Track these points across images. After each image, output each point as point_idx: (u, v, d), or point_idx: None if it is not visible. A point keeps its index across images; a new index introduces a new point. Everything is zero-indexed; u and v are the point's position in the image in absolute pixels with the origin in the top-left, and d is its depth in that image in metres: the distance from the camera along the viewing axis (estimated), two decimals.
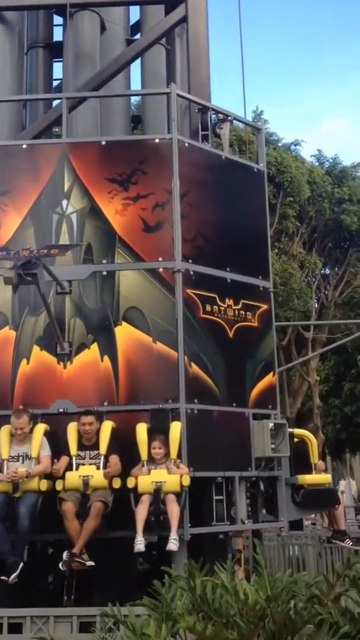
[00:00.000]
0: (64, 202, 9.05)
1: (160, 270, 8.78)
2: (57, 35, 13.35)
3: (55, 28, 13.39)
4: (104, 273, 8.82)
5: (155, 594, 4.88)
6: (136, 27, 13.95)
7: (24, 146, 9.41)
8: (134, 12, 14.11)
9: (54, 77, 13.50)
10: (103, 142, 9.30)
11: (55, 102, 12.02)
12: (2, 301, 8.78)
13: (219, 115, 10.27)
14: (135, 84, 14.26)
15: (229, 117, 10.24)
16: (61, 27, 12.92)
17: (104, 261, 8.85)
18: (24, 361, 8.65)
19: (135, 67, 12.77)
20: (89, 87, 10.88)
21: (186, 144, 9.33)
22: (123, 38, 12.99)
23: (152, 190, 9.02)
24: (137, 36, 13.85)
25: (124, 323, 8.69)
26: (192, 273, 8.90)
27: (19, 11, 11.82)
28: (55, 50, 13.08)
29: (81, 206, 9.03)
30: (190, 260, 8.92)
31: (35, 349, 8.68)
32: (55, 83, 13.70)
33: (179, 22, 11.29)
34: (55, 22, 13.35)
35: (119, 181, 9.05)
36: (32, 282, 7.56)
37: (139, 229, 8.93)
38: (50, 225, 9.00)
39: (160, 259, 8.83)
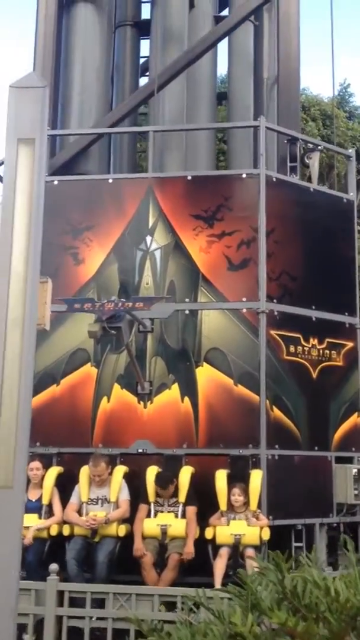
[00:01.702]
0: (148, 238, 9.26)
1: (244, 310, 8.90)
2: (145, 13, 13.93)
3: (142, 6, 13.98)
4: (187, 312, 9.00)
5: (241, 583, 4.97)
6: (224, 2, 14.28)
7: (110, 181, 9.66)
8: None
9: (141, 55, 14.09)
10: (189, 177, 9.43)
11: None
12: (84, 338, 8.96)
13: (308, 144, 10.26)
14: (222, 62, 14.73)
15: (319, 147, 10.21)
16: (149, 5, 13.51)
17: (187, 300, 9.03)
18: (105, 399, 8.95)
19: (222, 44, 13.09)
20: (177, 67, 11.19)
21: (274, 179, 9.37)
22: (211, 14, 13.44)
23: (237, 227, 9.12)
24: (225, 12, 14.19)
25: (205, 364, 8.85)
26: (276, 313, 8.98)
27: None
28: (142, 29, 13.61)
29: (165, 242, 9.22)
30: (274, 300, 9.00)
31: (116, 387, 8.96)
32: (141, 61, 14.20)
33: None
34: (142, 0, 13.92)
35: (204, 217, 9.18)
36: (116, 336, 7.80)
37: (223, 268, 9.06)
38: (134, 261, 9.24)
39: (244, 299, 8.93)
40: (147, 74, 14.02)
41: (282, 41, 11.14)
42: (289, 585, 4.47)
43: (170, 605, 6.53)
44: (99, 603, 6.76)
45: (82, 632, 6.64)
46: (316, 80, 60.26)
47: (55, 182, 9.44)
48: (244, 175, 9.42)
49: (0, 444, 3.52)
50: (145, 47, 14.07)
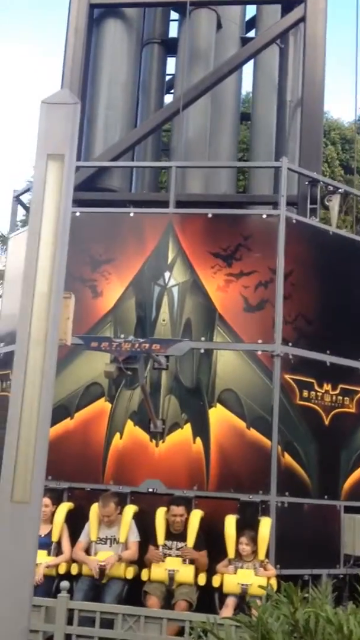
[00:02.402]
0: (167, 274, 9.39)
1: (259, 352, 9.01)
2: (172, 31, 14.26)
3: (170, 24, 14.27)
4: (202, 351, 9.12)
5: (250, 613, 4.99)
6: (251, 24, 14.72)
7: (131, 214, 9.76)
8: (250, 9, 14.61)
9: (167, 72, 14.38)
10: (209, 215, 9.51)
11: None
12: (99, 372, 9.05)
13: (329, 187, 10.35)
14: (247, 82, 15.12)
15: (339, 190, 10.30)
16: (176, 23, 13.79)
17: (203, 338, 9.14)
18: (117, 435, 9.08)
19: (248, 65, 13.35)
20: (203, 86, 11.46)
21: (294, 221, 9.47)
22: (238, 36, 13.76)
23: (255, 267, 9.22)
24: (252, 33, 14.53)
25: (218, 405, 8.97)
26: (291, 357, 9.08)
27: (138, 7, 12.50)
28: (169, 47, 13.92)
29: (183, 279, 9.34)
30: (290, 344, 9.10)
31: (129, 423, 9.09)
32: (167, 78, 14.48)
33: (297, 22, 11.62)
34: (171, 18, 14.21)
35: (222, 256, 9.30)
36: (131, 376, 7.94)
37: (240, 308, 9.17)
38: (152, 297, 9.36)
39: (259, 340, 9.04)
40: (172, 91, 14.20)
41: (307, 67, 11.23)
42: (301, 619, 4.43)
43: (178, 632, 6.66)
44: (108, 624, 6.87)
45: None
46: (337, 104, 60.64)
47: (77, 214, 9.57)
48: (264, 216, 9.53)
49: (18, 459, 3.63)
50: (171, 65, 14.34)
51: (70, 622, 6.71)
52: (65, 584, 6.94)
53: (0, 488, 3.59)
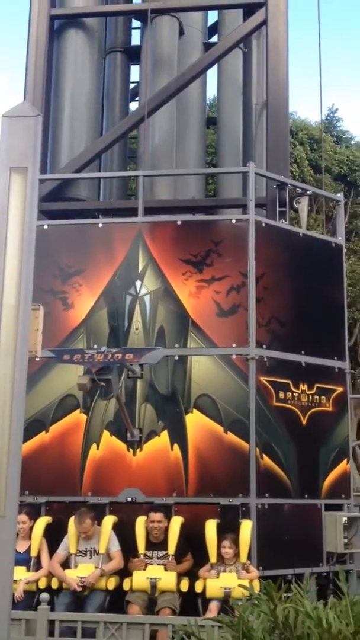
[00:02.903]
0: (138, 283, 9.52)
1: (234, 356, 9.17)
2: (135, 39, 14.55)
3: (132, 32, 14.54)
4: (176, 358, 9.25)
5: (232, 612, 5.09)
6: (213, 29, 14.96)
7: (100, 225, 9.91)
8: (212, 15, 14.97)
9: (131, 80, 14.63)
10: (179, 222, 9.68)
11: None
12: (73, 384, 9.10)
13: (297, 189, 10.55)
14: (211, 87, 15.52)
15: (308, 192, 10.51)
16: (138, 31, 14.08)
17: (177, 345, 9.28)
18: (94, 446, 9.18)
19: (212, 69, 13.61)
20: (167, 93, 11.74)
21: (263, 224, 9.65)
22: (200, 41, 14.02)
23: (227, 272, 9.38)
24: (214, 38, 14.78)
25: (195, 410, 9.10)
26: (266, 359, 9.25)
27: (100, 17, 12.74)
28: (132, 54, 14.16)
29: (155, 287, 9.48)
30: (264, 346, 9.27)
31: (106, 434, 9.19)
32: (131, 86, 14.73)
33: (259, 26, 11.92)
34: (133, 26, 14.46)
35: (193, 262, 9.45)
36: (105, 387, 8.07)
37: (213, 313, 9.32)
38: (124, 306, 9.48)
39: (233, 344, 9.19)
40: (137, 98, 14.39)
41: (270, 70, 11.48)
42: (280, 616, 4.55)
43: None
44: (91, 634, 6.94)
45: None
46: (304, 104, 61.67)
47: (45, 227, 9.69)
48: (233, 221, 9.70)
49: None
50: (135, 72, 14.56)
51: (52, 634, 6.80)
52: (45, 595, 7.03)
53: None
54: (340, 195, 11.14)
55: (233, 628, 4.74)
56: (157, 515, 8.42)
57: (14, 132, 4.08)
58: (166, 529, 8.44)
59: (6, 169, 4.03)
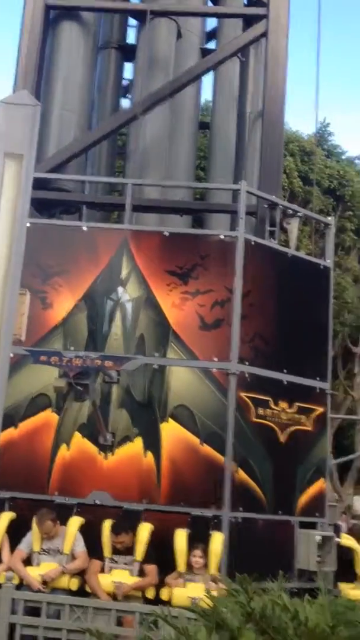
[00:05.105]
0: (120, 289, 10.14)
1: (214, 370, 9.90)
2: (130, 37, 15.36)
3: (128, 30, 15.35)
4: (155, 366, 9.92)
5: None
6: (211, 35, 15.83)
7: (85, 228, 10.56)
8: (211, 20, 15.91)
9: (124, 77, 15.49)
10: (166, 233, 10.36)
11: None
12: (46, 383, 9.68)
13: (288, 210, 11.32)
14: (205, 91, 16.41)
15: (298, 214, 11.31)
16: (134, 29, 14.95)
17: (156, 354, 9.94)
18: (64, 446, 9.74)
19: (208, 75, 14.59)
20: (162, 94, 12.46)
21: (252, 242, 10.37)
22: (198, 46, 14.86)
23: (212, 287, 10.08)
24: (212, 44, 15.68)
25: (170, 420, 9.74)
26: (247, 375, 9.93)
27: (97, 12, 13.48)
28: (126, 52, 14.95)
29: (137, 295, 10.11)
30: (246, 362, 9.96)
31: (77, 435, 9.76)
32: (124, 83, 15.58)
33: (259, 37, 12.68)
34: (129, 24, 15.27)
35: (178, 274, 10.12)
36: (82, 391, 8.74)
37: (195, 326, 9.99)
38: (104, 311, 10.09)
39: (215, 358, 9.88)
40: (128, 95, 15.19)
41: (268, 84, 12.25)
42: (257, 607, 4.67)
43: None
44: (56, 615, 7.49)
45: None
46: (296, 116, 63.79)
47: (28, 224, 10.38)
48: (222, 236, 10.42)
49: None
50: (128, 69, 15.36)
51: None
52: (10, 574, 7.55)
53: None
54: (330, 219, 11.93)
55: (206, 618, 5.01)
56: (120, 538, 8.96)
57: (11, 118, 4.40)
58: (133, 537, 9.00)
59: (1, 154, 4.41)
